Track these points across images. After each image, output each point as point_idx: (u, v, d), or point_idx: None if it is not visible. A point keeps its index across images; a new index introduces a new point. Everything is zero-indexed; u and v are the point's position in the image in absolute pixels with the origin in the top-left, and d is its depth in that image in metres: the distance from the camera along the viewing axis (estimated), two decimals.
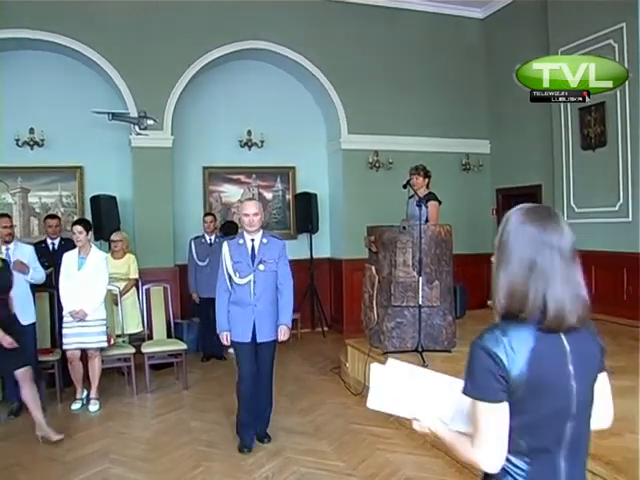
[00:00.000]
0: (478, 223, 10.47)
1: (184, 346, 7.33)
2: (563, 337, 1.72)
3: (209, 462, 5.03)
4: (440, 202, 6.87)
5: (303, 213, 10.18)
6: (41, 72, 9.05)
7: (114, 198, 8.86)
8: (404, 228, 6.50)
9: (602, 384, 1.89)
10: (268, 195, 10.47)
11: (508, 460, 1.71)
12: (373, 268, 6.84)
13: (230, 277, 5.21)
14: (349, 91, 10.06)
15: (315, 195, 10.16)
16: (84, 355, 6.56)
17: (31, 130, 8.98)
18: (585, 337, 1.77)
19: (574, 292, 1.70)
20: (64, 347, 6.51)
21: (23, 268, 6.26)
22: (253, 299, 5.15)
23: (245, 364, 5.21)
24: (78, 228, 6.49)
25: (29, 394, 5.50)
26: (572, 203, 8.92)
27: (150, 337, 7.56)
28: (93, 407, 6.48)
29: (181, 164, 9.65)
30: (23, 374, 5.49)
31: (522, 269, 1.70)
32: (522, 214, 1.78)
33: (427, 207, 6.59)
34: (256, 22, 9.51)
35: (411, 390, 1.93)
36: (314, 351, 8.88)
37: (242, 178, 10.31)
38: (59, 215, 8.33)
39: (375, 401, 1.97)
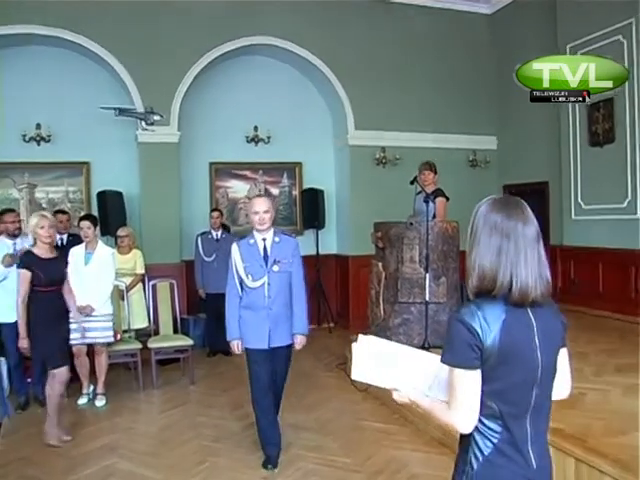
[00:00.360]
0: None
1: (190, 342, 7.33)
2: (529, 312, 1.93)
3: (215, 457, 5.04)
4: (448, 198, 6.85)
5: (310, 209, 10.18)
6: (48, 68, 9.05)
7: (120, 194, 8.87)
8: (411, 224, 6.49)
9: (562, 358, 2.07)
10: (275, 191, 10.46)
11: (483, 423, 1.92)
12: (380, 264, 6.83)
13: (241, 280, 4.80)
14: (356, 87, 10.04)
15: (322, 191, 10.15)
16: (91, 350, 6.57)
17: (38, 126, 8.99)
18: (549, 313, 1.99)
19: (537, 272, 1.91)
20: (71, 342, 6.47)
21: None
22: (267, 302, 4.76)
23: (262, 374, 4.80)
24: (86, 223, 6.50)
25: (55, 395, 5.40)
26: (580, 200, 8.89)
27: (156, 332, 7.57)
28: (99, 402, 6.49)
29: (187, 160, 9.65)
30: (57, 372, 5.37)
31: (491, 254, 1.91)
32: (490, 205, 1.99)
33: (435, 203, 6.57)
34: (263, 18, 9.48)
35: (392, 363, 2.11)
36: (320, 347, 8.86)
37: (249, 174, 10.31)
38: (68, 211, 8.33)
39: (358, 373, 2.14)
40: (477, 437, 1.93)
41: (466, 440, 1.97)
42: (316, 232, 10.15)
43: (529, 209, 1.98)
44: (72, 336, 6.42)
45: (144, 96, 8.94)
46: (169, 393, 6.91)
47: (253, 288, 4.77)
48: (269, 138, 10.12)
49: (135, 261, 7.71)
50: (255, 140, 10.11)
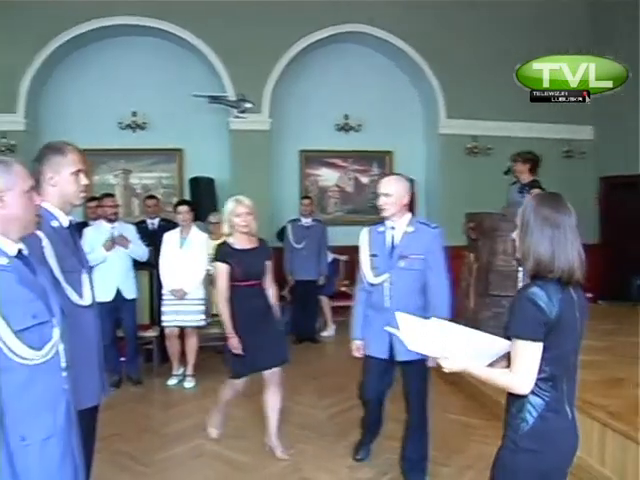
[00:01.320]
0: (581, 212, 9.51)
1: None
2: (572, 290, 2.27)
3: (302, 444, 5.05)
4: (544, 190, 6.63)
5: None
6: (143, 57, 9.32)
7: (212, 180, 9.01)
8: (505, 216, 6.33)
9: None
10: (364, 179, 10.42)
11: (537, 385, 2.23)
12: (472, 255, 6.71)
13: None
14: (448, 75, 9.87)
15: (412, 180, 10.02)
16: (182, 333, 6.71)
17: (134, 113, 9.27)
18: (581, 291, 2.33)
19: (579, 256, 2.26)
20: (163, 324, 6.67)
21: (123, 241, 6.43)
22: (389, 304, 3.96)
23: (372, 386, 4.26)
24: (185, 208, 6.66)
25: (270, 400, 4.93)
26: None
27: None
28: (189, 384, 6.62)
29: (278, 147, 9.72)
30: (271, 375, 4.88)
31: (545, 243, 2.23)
32: (538, 200, 2.33)
33: (530, 195, 6.37)
34: (354, 5, 9.43)
35: (443, 335, 2.34)
36: None
37: (339, 162, 10.31)
38: (158, 196, 8.50)
39: (412, 344, 2.41)
40: (532, 398, 2.25)
41: (519, 402, 2.28)
42: None
43: (568, 203, 2.33)
44: (164, 318, 6.61)
45: (236, 84, 9.08)
46: (256, 377, 6.95)
47: (374, 285, 4.10)
48: (359, 126, 10.09)
49: None
50: (345, 128, 10.10)
